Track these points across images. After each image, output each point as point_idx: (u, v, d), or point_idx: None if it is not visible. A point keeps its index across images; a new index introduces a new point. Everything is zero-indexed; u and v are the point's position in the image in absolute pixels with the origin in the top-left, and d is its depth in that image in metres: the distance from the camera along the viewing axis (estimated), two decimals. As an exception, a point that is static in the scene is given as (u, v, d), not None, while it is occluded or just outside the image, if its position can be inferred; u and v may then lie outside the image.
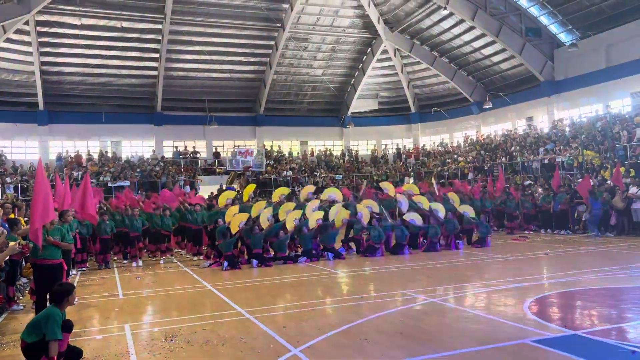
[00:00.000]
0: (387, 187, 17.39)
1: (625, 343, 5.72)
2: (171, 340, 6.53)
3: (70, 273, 11.79)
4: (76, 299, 8.52)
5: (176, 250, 16.78)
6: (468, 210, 16.26)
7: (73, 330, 5.97)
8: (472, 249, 15.21)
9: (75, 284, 10.47)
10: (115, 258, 15.41)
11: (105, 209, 15.15)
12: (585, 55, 25.46)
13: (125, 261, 14.91)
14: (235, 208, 14.17)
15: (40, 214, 7.28)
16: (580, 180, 19.29)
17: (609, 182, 18.16)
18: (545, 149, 24.17)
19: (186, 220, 15.42)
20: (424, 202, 15.99)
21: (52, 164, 28.60)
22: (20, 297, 9.82)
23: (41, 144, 30.20)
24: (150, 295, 9.97)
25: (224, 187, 27.88)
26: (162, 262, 14.68)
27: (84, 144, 31.21)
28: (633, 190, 16.53)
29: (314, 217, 14.19)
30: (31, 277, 9.34)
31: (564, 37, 27.34)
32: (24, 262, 10.21)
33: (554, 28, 27.49)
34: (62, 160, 28.78)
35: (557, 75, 27.57)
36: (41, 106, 29.51)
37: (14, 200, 17.67)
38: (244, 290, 10.01)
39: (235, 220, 13.33)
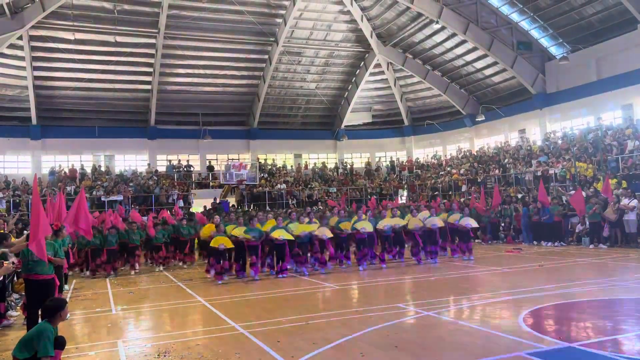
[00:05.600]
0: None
1: (621, 355, 5.71)
2: (164, 356, 6.47)
3: (64, 288, 11.69)
4: (68, 315, 8.43)
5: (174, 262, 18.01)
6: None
7: (65, 347, 5.90)
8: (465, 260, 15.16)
9: (67, 299, 10.38)
10: (122, 268, 16.57)
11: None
12: (576, 68, 25.72)
13: (127, 268, 16.56)
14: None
15: (36, 230, 7.24)
16: (572, 192, 19.41)
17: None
18: (538, 161, 24.30)
19: (180, 233, 17.49)
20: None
21: (45, 178, 28.46)
22: (13, 314, 9.71)
23: (34, 158, 30.07)
24: (143, 310, 9.89)
25: (218, 201, 27.88)
26: (160, 269, 16.50)
27: (77, 158, 31.08)
28: (625, 201, 16.64)
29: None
30: (23, 293, 9.24)
31: (554, 51, 27.65)
32: (15, 278, 10.11)
33: (544, 41, 27.82)
34: (55, 174, 28.66)
35: (549, 88, 27.83)
36: (34, 121, 29.44)
37: (5, 215, 17.63)
38: (238, 304, 9.95)
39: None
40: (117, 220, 17.16)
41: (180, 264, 17.55)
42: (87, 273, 15.76)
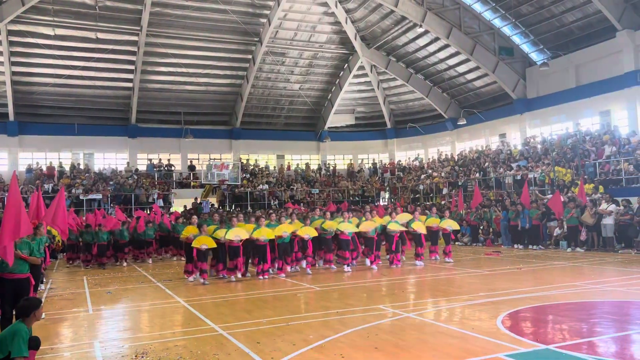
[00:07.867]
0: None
1: (596, 357, 5.80)
2: (142, 357, 6.39)
3: (39, 288, 11.48)
4: (43, 314, 8.28)
5: (155, 256, 20.00)
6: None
7: (40, 347, 5.79)
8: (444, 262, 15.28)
9: (43, 299, 10.20)
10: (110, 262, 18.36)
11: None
12: (556, 75, 26.14)
13: (117, 263, 18.37)
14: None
15: (12, 230, 7.08)
16: (550, 195, 19.69)
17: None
18: (518, 165, 24.61)
19: (174, 230, 19.00)
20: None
21: (22, 175, 27.94)
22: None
23: (11, 155, 29.48)
24: (121, 311, 9.76)
25: (199, 201, 27.67)
26: (150, 261, 18.87)
27: (56, 155, 30.57)
28: (603, 206, 16.93)
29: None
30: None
31: (535, 57, 28.06)
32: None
33: (526, 47, 28.20)
34: (33, 172, 28.16)
35: (529, 94, 28.22)
36: (11, 117, 28.90)
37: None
38: (218, 305, 9.88)
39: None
40: (109, 219, 19.20)
41: (174, 259, 19.46)
42: (81, 264, 18.12)
